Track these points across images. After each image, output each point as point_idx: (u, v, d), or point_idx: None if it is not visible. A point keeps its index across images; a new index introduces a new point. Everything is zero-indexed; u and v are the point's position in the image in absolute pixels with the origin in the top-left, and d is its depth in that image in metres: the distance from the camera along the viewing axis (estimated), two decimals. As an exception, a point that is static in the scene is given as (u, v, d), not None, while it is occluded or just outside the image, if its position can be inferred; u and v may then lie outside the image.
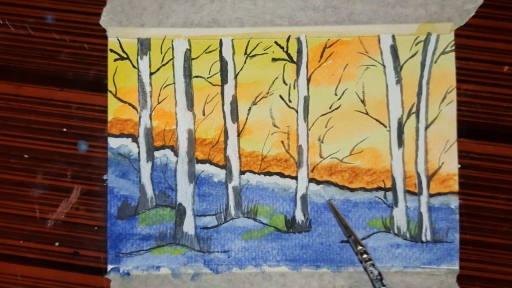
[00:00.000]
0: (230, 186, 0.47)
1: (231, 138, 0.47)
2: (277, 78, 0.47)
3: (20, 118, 0.48)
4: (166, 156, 0.47)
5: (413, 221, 0.46)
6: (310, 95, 0.47)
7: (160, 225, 0.47)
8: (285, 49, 0.47)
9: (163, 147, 0.47)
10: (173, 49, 0.48)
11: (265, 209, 0.47)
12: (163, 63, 0.48)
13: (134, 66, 0.47)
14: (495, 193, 0.47)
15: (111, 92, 0.47)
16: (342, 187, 0.47)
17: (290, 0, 0.47)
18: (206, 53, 0.48)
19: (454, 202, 0.46)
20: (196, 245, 0.47)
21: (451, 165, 0.47)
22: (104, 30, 0.47)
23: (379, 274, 0.42)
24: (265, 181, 0.47)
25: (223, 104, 0.47)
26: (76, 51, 0.48)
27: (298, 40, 0.47)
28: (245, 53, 0.47)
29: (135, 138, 0.47)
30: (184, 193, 0.47)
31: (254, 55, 0.47)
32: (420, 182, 0.47)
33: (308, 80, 0.47)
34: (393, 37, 0.47)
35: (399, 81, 0.47)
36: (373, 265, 0.43)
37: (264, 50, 0.47)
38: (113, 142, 0.47)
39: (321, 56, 0.47)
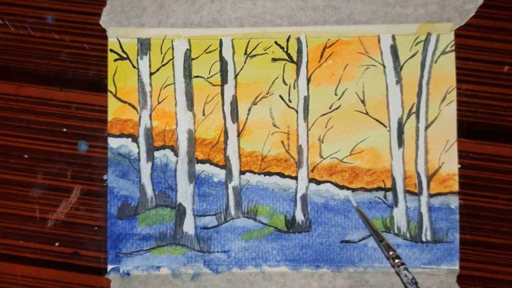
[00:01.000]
0: (230, 186, 0.47)
1: (231, 138, 0.47)
2: (277, 78, 0.47)
3: (20, 118, 0.48)
4: (166, 156, 0.47)
5: (413, 221, 0.46)
6: (310, 95, 0.47)
7: (160, 225, 0.47)
8: (285, 49, 0.47)
9: (163, 147, 0.47)
10: (173, 49, 0.48)
11: (265, 209, 0.47)
12: (163, 63, 0.48)
13: (134, 66, 0.47)
14: (495, 193, 0.47)
15: (111, 92, 0.47)
16: (342, 187, 0.47)
17: (290, 0, 0.47)
18: (206, 53, 0.48)
19: (454, 202, 0.46)
20: (196, 245, 0.47)
21: (451, 165, 0.47)
22: (104, 30, 0.47)
23: (413, 278, 0.41)
24: (265, 181, 0.47)
25: (223, 104, 0.47)
26: (76, 51, 0.48)
27: (298, 40, 0.47)
28: (245, 53, 0.47)
29: (135, 138, 0.47)
30: (184, 193, 0.47)
31: (254, 55, 0.47)
32: (420, 182, 0.47)
33: (308, 80, 0.47)
34: (393, 37, 0.47)
35: (399, 81, 0.47)
36: (406, 269, 0.42)
37: (264, 50, 0.47)
38: (113, 142, 0.47)
39: (321, 56, 0.47)
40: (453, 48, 0.47)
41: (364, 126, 0.47)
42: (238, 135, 0.47)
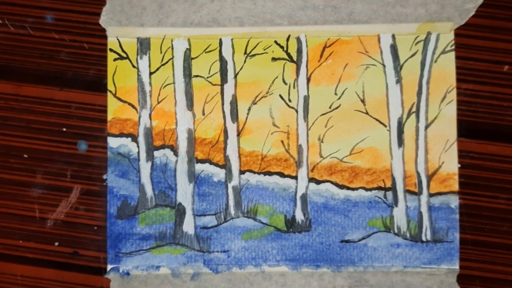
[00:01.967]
0: (230, 185, 0.47)
1: (231, 137, 0.47)
2: (277, 77, 0.47)
3: (20, 118, 0.48)
4: (165, 156, 0.47)
5: (413, 221, 0.46)
6: (310, 94, 0.47)
7: (160, 225, 0.47)
8: (285, 49, 0.47)
9: (162, 147, 0.47)
10: (172, 48, 0.48)
11: (265, 208, 0.47)
12: (163, 62, 0.48)
13: (133, 66, 0.47)
14: (495, 192, 0.47)
15: (110, 91, 0.47)
16: (342, 187, 0.47)
17: (290, -1, 0.47)
18: (205, 52, 0.48)
19: (454, 201, 0.46)
20: (196, 245, 0.47)
21: (451, 165, 0.46)
22: (103, 30, 0.47)
23: None
24: (265, 180, 0.47)
25: (223, 104, 0.47)
26: (76, 50, 0.48)
27: (298, 40, 0.47)
28: (245, 53, 0.47)
29: (134, 138, 0.47)
30: (184, 192, 0.47)
31: (254, 55, 0.47)
32: (420, 182, 0.47)
33: (308, 80, 0.47)
34: (393, 36, 0.47)
35: (399, 80, 0.47)
36: None
37: (264, 50, 0.47)
38: (112, 142, 0.47)
39: (321, 56, 0.47)
40: (453, 47, 0.47)
41: (364, 126, 0.47)
42: (238, 134, 0.47)
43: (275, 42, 0.47)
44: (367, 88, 0.47)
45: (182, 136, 0.47)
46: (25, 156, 0.48)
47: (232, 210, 0.47)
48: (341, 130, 0.47)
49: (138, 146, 0.47)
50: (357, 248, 0.46)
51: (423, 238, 0.46)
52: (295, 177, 0.47)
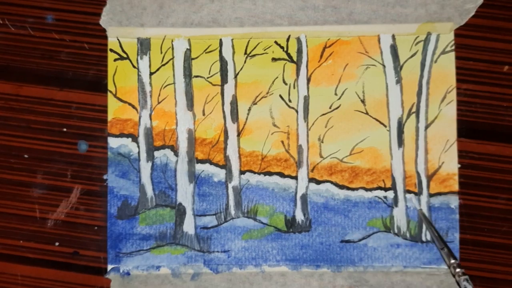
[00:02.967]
0: (230, 186, 0.47)
1: (231, 138, 0.47)
2: (277, 78, 0.47)
3: (20, 118, 0.48)
4: (166, 156, 0.47)
5: (413, 221, 0.46)
6: (310, 95, 0.47)
7: (160, 225, 0.47)
8: (285, 49, 0.47)
9: (163, 147, 0.47)
10: (173, 49, 0.48)
11: (265, 209, 0.47)
12: (163, 63, 0.48)
13: (134, 66, 0.47)
14: (495, 192, 0.47)
15: (111, 92, 0.47)
16: (342, 187, 0.47)
17: (290, 0, 0.47)
18: (206, 53, 0.48)
19: (454, 202, 0.46)
20: (196, 245, 0.47)
21: (451, 165, 0.47)
22: (104, 30, 0.47)
23: None
24: (265, 181, 0.47)
25: (223, 104, 0.47)
26: (76, 51, 0.48)
27: (298, 40, 0.47)
28: (245, 53, 0.47)
29: (135, 138, 0.47)
30: (184, 193, 0.47)
31: (254, 55, 0.47)
32: (420, 182, 0.47)
33: (308, 80, 0.47)
34: (393, 36, 0.47)
35: (399, 81, 0.47)
36: (467, 280, 0.41)
37: (264, 50, 0.47)
38: (113, 142, 0.47)
39: (321, 56, 0.47)
40: (453, 47, 0.47)
41: (364, 126, 0.47)
42: (238, 135, 0.47)
43: (275, 42, 0.47)
44: (367, 88, 0.47)
45: (183, 136, 0.47)
46: (26, 156, 0.48)
47: (232, 210, 0.47)
48: (341, 130, 0.47)
49: (138, 146, 0.47)
50: (357, 248, 0.46)
51: (423, 238, 0.46)
52: (295, 177, 0.47)
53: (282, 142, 0.47)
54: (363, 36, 0.47)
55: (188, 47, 0.48)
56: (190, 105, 0.47)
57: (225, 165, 0.47)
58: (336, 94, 0.47)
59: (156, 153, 0.47)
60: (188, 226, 0.47)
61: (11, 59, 0.48)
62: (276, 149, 0.47)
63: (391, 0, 0.47)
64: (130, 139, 0.47)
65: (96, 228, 0.47)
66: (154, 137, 0.47)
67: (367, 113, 0.47)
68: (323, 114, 0.47)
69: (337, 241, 0.46)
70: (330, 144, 0.47)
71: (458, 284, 0.42)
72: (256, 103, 0.47)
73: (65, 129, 0.48)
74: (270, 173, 0.47)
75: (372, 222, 0.47)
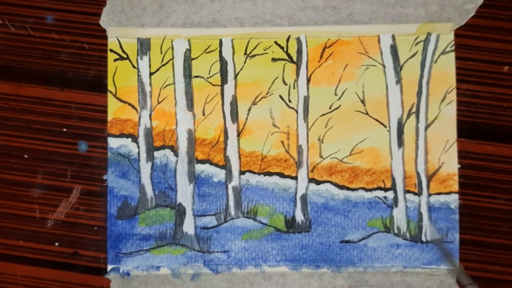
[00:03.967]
0: (230, 186, 0.47)
1: (231, 138, 0.47)
2: (277, 78, 0.47)
3: (20, 118, 0.48)
4: (166, 156, 0.47)
5: (413, 221, 0.46)
6: (310, 95, 0.47)
7: (160, 225, 0.47)
8: (285, 49, 0.47)
9: (163, 147, 0.47)
10: (173, 49, 0.48)
11: (265, 209, 0.47)
12: (163, 63, 0.48)
13: (134, 66, 0.47)
14: (495, 193, 0.47)
15: (111, 92, 0.47)
16: (342, 187, 0.47)
17: (290, 0, 0.47)
18: (206, 53, 0.48)
19: (454, 202, 0.46)
20: (196, 245, 0.47)
21: (451, 165, 0.47)
22: (104, 30, 0.47)
23: None
24: (265, 181, 0.47)
25: (223, 104, 0.47)
26: (76, 51, 0.48)
27: (298, 40, 0.47)
28: (245, 53, 0.47)
29: (135, 138, 0.47)
30: (184, 193, 0.47)
31: (254, 55, 0.47)
32: (420, 182, 0.47)
33: (308, 80, 0.47)
34: (393, 37, 0.47)
35: (399, 81, 0.47)
36: None
37: (264, 50, 0.47)
38: (113, 142, 0.47)
39: (321, 56, 0.47)
40: (453, 48, 0.47)
41: (364, 126, 0.47)
42: (238, 135, 0.47)
43: (275, 42, 0.47)
44: (367, 89, 0.47)
45: (182, 137, 0.47)
46: (25, 156, 0.48)
47: (232, 211, 0.47)
48: (341, 130, 0.47)
49: (138, 147, 0.47)
50: (357, 248, 0.46)
51: (423, 239, 0.46)
52: (295, 178, 0.47)
53: (282, 142, 0.47)
54: (363, 36, 0.47)
55: (188, 47, 0.48)
56: (190, 105, 0.47)
57: (225, 165, 0.47)
58: (336, 94, 0.47)
59: (156, 153, 0.47)
60: (188, 226, 0.47)
61: (11, 59, 0.48)
62: (276, 149, 0.47)
63: (391, 0, 0.47)
64: (130, 139, 0.47)
65: (96, 228, 0.47)
66: (154, 137, 0.47)
67: (367, 113, 0.47)
68: (323, 114, 0.47)
69: (337, 241, 0.46)
70: (330, 144, 0.47)
71: None
72: (256, 103, 0.47)
73: (65, 129, 0.48)
74: (270, 173, 0.47)
75: (372, 222, 0.47)
